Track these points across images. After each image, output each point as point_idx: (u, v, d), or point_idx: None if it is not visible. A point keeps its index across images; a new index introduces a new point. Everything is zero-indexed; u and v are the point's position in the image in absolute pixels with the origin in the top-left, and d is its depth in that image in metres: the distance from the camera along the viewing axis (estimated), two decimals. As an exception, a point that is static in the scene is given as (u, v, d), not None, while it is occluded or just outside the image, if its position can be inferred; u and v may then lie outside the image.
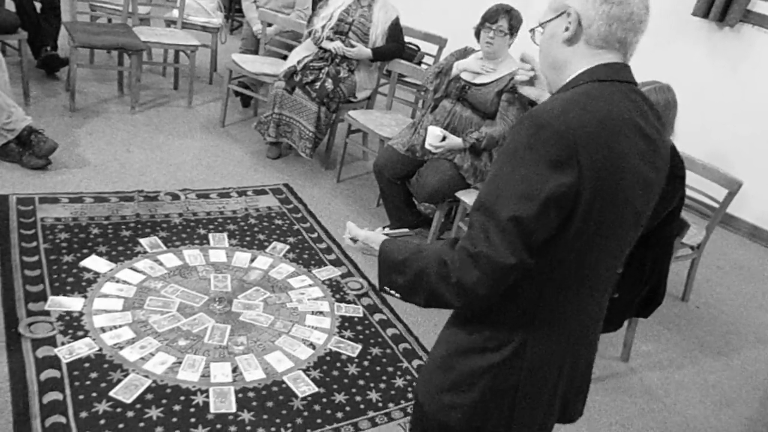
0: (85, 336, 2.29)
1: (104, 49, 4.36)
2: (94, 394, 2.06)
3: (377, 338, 2.59)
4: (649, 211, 1.20)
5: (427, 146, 3.06)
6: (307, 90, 3.72)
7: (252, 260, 2.93)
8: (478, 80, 3.08)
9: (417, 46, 5.29)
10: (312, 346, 2.48)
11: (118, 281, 2.60)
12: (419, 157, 3.19)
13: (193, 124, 4.23)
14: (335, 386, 2.31)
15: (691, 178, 2.63)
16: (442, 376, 1.23)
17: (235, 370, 2.28)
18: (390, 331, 2.66)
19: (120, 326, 2.37)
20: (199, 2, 4.87)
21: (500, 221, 1.03)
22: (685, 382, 2.74)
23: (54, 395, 2.03)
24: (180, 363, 2.26)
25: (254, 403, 2.16)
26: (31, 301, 2.39)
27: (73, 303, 2.43)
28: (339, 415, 2.19)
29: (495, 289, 1.07)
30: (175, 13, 4.70)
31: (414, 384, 2.37)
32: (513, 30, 2.99)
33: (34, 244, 2.70)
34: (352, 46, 3.77)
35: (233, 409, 2.12)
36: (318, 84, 3.72)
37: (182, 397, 2.13)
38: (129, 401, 2.07)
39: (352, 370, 2.41)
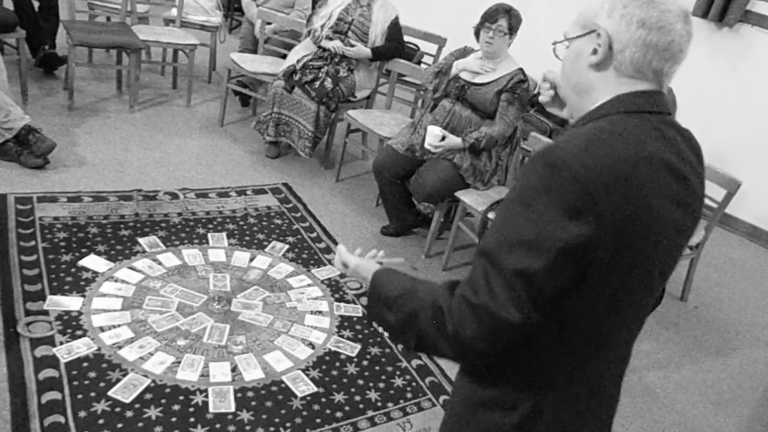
0: (83, 335, 2.29)
1: (103, 47, 4.35)
2: (93, 394, 2.06)
3: (376, 338, 2.59)
4: (680, 256, 1.06)
5: (426, 146, 3.06)
6: (306, 89, 3.72)
7: (251, 260, 2.92)
8: (478, 80, 3.08)
9: (416, 46, 5.28)
10: (311, 345, 2.48)
11: (116, 281, 2.60)
12: (418, 156, 3.19)
13: (192, 123, 4.22)
14: (334, 386, 2.31)
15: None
16: (459, 431, 1.14)
17: (234, 369, 2.28)
18: (389, 330, 2.66)
19: (119, 326, 2.37)
20: (197, 1, 4.86)
21: (505, 273, 0.91)
22: (683, 382, 2.74)
23: (52, 395, 2.03)
24: (179, 363, 2.26)
25: (253, 403, 2.16)
26: (29, 300, 2.39)
27: (71, 302, 2.43)
28: (338, 414, 2.19)
29: (495, 346, 0.95)
30: (174, 11, 4.69)
31: (413, 384, 2.39)
32: (512, 30, 3.00)
33: (33, 243, 2.70)
34: (352, 46, 3.76)
35: (232, 409, 2.12)
36: (317, 83, 3.72)
37: (181, 397, 2.12)
38: (128, 401, 2.06)
39: (351, 369, 2.41)
